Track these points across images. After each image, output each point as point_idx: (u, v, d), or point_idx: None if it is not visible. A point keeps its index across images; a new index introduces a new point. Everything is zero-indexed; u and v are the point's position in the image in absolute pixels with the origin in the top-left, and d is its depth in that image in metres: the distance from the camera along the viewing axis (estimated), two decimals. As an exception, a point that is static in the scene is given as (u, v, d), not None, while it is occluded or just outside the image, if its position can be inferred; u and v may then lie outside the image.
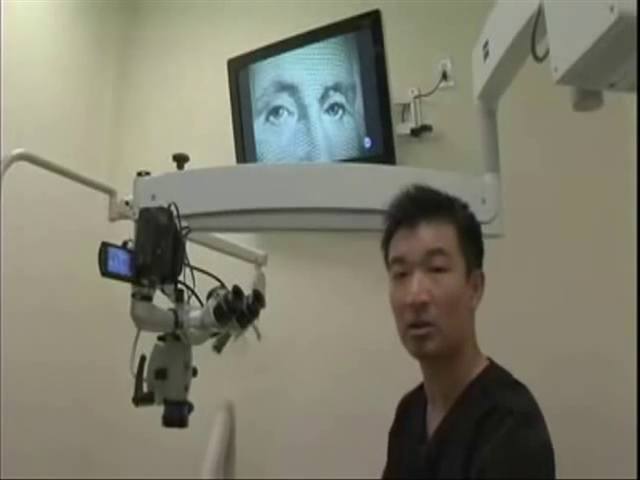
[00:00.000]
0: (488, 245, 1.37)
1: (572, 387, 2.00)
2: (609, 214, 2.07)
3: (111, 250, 1.32)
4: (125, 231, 1.49)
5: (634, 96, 1.07)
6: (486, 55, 1.49)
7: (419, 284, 1.24)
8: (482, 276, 1.32)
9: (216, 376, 2.21)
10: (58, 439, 2.61)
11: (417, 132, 2.40)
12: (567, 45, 0.98)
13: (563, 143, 2.17)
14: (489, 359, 1.33)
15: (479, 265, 1.32)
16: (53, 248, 2.67)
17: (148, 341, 1.47)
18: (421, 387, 1.42)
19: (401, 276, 1.28)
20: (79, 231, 2.69)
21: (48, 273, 2.63)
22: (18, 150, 1.65)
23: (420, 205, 1.30)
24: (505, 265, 1.87)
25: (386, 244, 1.34)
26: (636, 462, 1.37)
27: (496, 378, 1.28)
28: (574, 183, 2.14)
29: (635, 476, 1.37)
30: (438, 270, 1.25)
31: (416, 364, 1.34)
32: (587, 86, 1.04)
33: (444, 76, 2.40)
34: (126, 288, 1.40)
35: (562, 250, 2.14)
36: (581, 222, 2.12)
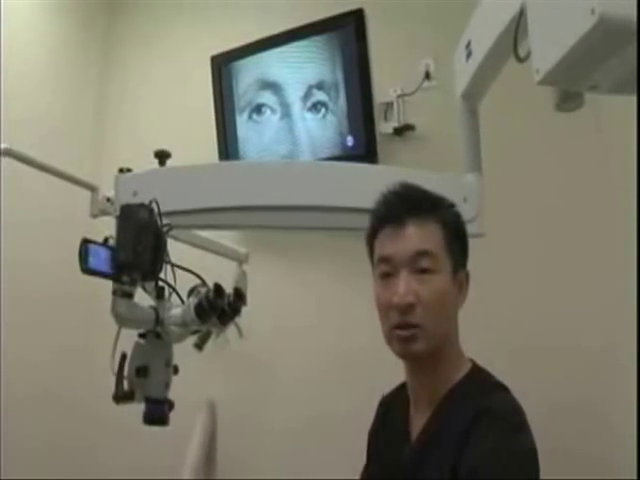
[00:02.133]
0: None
1: (561, 385, 2.02)
2: (594, 212, 2.08)
3: (91, 247, 1.31)
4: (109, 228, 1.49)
5: (615, 97, 1.08)
6: (469, 55, 1.49)
7: (405, 285, 1.23)
8: (467, 275, 1.33)
9: (198, 374, 2.21)
10: (40, 433, 2.61)
11: (400, 131, 2.40)
12: (548, 46, 0.98)
13: (545, 143, 2.18)
14: (472, 360, 1.33)
15: (464, 265, 1.32)
16: (36, 244, 2.66)
17: (129, 339, 1.47)
18: (402, 387, 1.42)
19: (387, 276, 1.27)
20: (61, 227, 2.67)
21: (30, 269, 2.62)
22: (1, 146, 1.64)
23: (408, 204, 1.29)
24: (487, 264, 1.87)
25: (371, 242, 1.34)
26: (636, 462, 1.38)
27: (481, 381, 1.28)
28: (558, 183, 2.16)
29: (635, 476, 1.37)
30: (424, 271, 1.24)
31: (397, 362, 1.34)
32: (568, 87, 1.04)
33: (427, 76, 2.40)
34: (108, 285, 1.39)
35: (546, 249, 2.15)
36: (565, 222, 2.14)
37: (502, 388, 1.26)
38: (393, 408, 1.44)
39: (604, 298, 2.00)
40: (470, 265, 1.35)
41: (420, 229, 1.27)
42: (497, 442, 1.13)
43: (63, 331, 2.77)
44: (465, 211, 1.36)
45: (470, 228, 1.37)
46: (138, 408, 1.44)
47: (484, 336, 1.80)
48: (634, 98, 1.09)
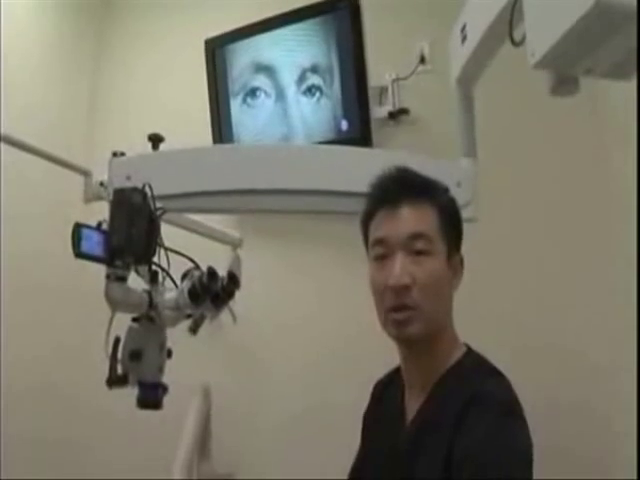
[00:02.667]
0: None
1: (552, 373, 2.04)
2: (590, 197, 2.08)
3: (84, 231, 1.30)
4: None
5: (612, 82, 1.08)
6: (464, 38, 1.48)
7: (401, 267, 1.23)
8: (461, 260, 1.32)
9: (192, 359, 2.21)
10: (37, 426, 2.61)
11: (394, 115, 2.40)
12: (544, 30, 0.98)
13: (541, 127, 2.18)
14: (466, 344, 1.33)
15: (458, 249, 1.32)
16: (28, 229, 2.65)
17: (123, 323, 1.47)
18: (397, 370, 1.42)
19: (382, 258, 1.27)
20: (54, 213, 2.66)
21: (24, 260, 2.61)
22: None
23: (403, 187, 1.29)
24: (480, 249, 1.87)
25: (366, 224, 1.33)
26: (636, 462, 1.38)
27: (475, 365, 1.28)
28: (553, 168, 2.15)
29: (635, 476, 1.38)
30: (420, 253, 1.24)
31: (393, 348, 1.34)
32: (563, 71, 1.04)
33: (422, 60, 2.39)
34: (101, 270, 1.39)
35: (540, 235, 2.16)
36: (560, 208, 2.14)
37: (496, 372, 1.26)
38: (388, 392, 1.44)
39: (600, 285, 2.01)
40: (463, 250, 1.35)
41: (415, 211, 1.27)
42: (489, 428, 1.13)
43: (57, 323, 2.77)
44: (459, 196, 1.36)
45: (464, 213, 1.37)
46: (131, 392, 1.44)
47: (478, 321, 1.80)
48: (630, 83, 1.08)
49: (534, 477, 1.13)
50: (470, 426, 1.14)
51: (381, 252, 1.27)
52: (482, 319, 2.01)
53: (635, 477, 1.38)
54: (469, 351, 1.32)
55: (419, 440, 1.24)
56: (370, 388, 1.53)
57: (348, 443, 1.50)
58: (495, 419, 1.14)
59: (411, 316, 1.23)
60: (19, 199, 2.59)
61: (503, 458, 1.11)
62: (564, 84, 1.05)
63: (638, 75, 0.97)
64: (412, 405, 1.31)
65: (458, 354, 1.30)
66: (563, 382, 2.02)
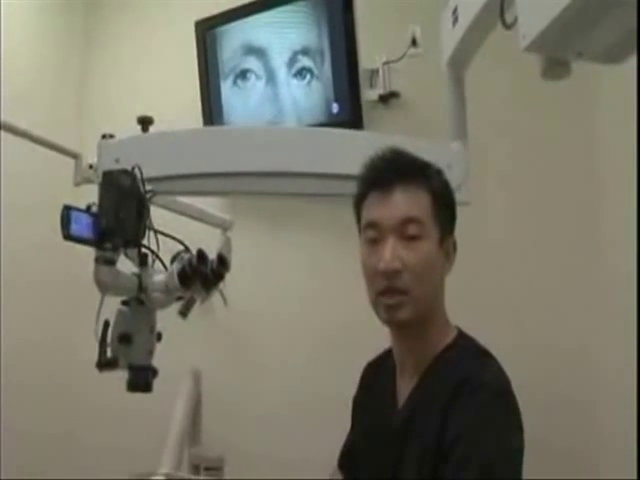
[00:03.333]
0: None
1: (542, 358, 2.06)
2: (581, 180, 2.09)
3: (73, 213, 1.29)
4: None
5: (602, 66, 1.07)
6: (455, 21, 1.47)
7: (392, 251, 1.22)
8: (454, 243, 1.32)
9: (182, 342, 2.21)
10: (27, 416, 2.62)
11: (385, 98, 2.39)
12: (535, 12, 0.98)
13: (532, 111, 2.18)
14: (457, 328, 1.33)
15: (451, 232, 1.31)
16: (19, 216, 2.63)
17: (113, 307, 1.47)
18: (388, 353, 1.41)
19: (374, 241, 1.26)
20: (44, 198, 2.64)
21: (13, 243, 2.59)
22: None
23: (395, 169, 1.28)
24: (471, 233, 1.88)
25: (359, 207, 1.32)
26: (636, 462, 1.39)
27: (467, 348, 1.28)
28: (544, 152, 2.16)
29: (635, 476, 1.39)
30: (412, 238, 1.23)
31: (386, 333, 1.34)
32: (555, 55, 1.03)
33: (413, 42, 2.37)
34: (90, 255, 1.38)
35: (531, 218, 2.16)
36: (551, 191, 2.14)
37: (487, 355, 1.26)
38: (378, 374, 1.44)
39: (590, 271, 2.02)
40: (455, 233, 1.35)
41: (408, 195, 1.25)
42: (480, 410, 1.13)
43: (45, 313, 2.77)
44: (450, 179, 1.35)
45: (455, 196, 1.36)
46: (121, 376, 1.44)
47: (469, 304, 1.81)
48: (621, 67, 1.08)
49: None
50: (461, 408, 1.15)
51: (373, 236, 1.26)
52: (473, 303, 2.01)
53: (635, 477, 1.39)
54: (460, 334, 1.32)
55: (411, 423, 1.24)
56: (353, 366, 1.53)
57: (339, 428, 1.51)
58: (486, 401, 1.14)
59: (402, 300, 1.23)
60: (9, 188, 2.57)
61: (494, 439, 1.12)
62: (555, 67, 1.05)
63: (638, 72, 0.96)
64: (403, 388, 1.31)
65: (449, 337, 1.30)
66: (552, 373, 2.05)
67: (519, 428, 1.16)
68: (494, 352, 1.27)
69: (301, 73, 2.39)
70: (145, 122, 1.71)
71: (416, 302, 1.23)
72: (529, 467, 1.17)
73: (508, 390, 1.19)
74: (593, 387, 1.96)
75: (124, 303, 1.46)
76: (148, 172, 1.43)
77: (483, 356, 1.26)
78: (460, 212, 1.34)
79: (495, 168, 2.17)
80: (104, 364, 1.40)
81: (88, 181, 1.76)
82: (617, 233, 1.81)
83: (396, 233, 1.23)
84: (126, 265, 1.43)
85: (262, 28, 2.46)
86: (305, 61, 2.38)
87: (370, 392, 1.46)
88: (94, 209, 1.36)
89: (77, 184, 1.80)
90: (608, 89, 1.85)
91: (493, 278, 2.16)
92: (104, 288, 1.37)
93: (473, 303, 2.02)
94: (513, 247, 2.16)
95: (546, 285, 2.11)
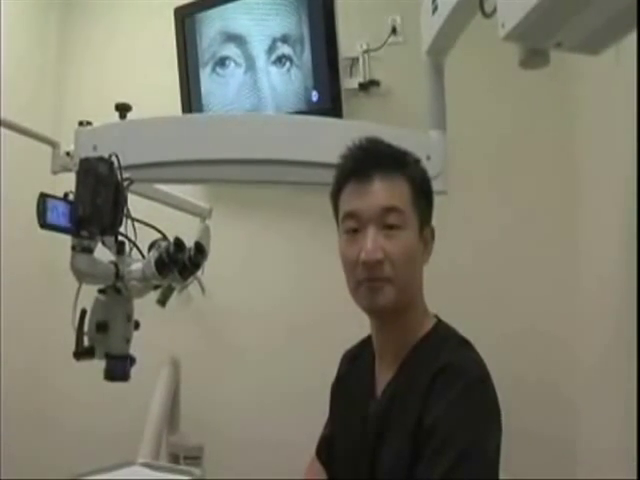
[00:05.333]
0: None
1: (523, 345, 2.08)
2: (560, 169, 2.10)
3: (50, 201, 1.28)
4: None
5: (580, 56, 1.08)
6: (435, 9, 1.47)
7: (373, 241, 1.22)
8: (432, 231, 1.32)
9: (160, 330, 2.20)
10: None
11: (365, 87, 2.39)
12: (514, 2, 0.97)
13: (511, 100, 2.19)
14: (436, 316, 1.34)
15: (429, 221, 1.31)
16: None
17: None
18: (367, 341, 1.42)
19: (353, 232, 1.25)
20: (21, 186, 2.61)
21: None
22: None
23: (374, 158, 1.27)
24: (449, 222, 1.89)
25: (336, 197, 1.31)
26: (636, 462, 1.40)
27: (445, 336, 1.28)
28: (523, 141, 2.17)
29: (635, 476, 1.40)
30: (392, 227, 1.23)
31: (365, 322, 1.34)
32: (533, 44, 1.03)
33: (393, 31, 2.38)
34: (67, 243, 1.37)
35: (509, 208, 2.18)
36: (529, 181, 2.15)
37: (465, 343, 1.27)
38: (358, 362, 1.44)
39: (569, 261, 2.04)
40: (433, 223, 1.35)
41: (387, 184, 1.25)
42: (458, 396, 1.14)
43: (21, 302, 2.74)
44: (428, 168, 1.35)
45: (433, 185, 1.36)
46: (99, 364, 1.43)
47: (447, 291, 1.82)
48: (599, 57, 1.09)
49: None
50: (439, 395, 1.15)
51: (352, 226, 1.26)
52: (452, 291, 2.02)
53: (635, 477, 1.41)
54: (439, 322, 1.32)
55: (389, 411, 1.24)
56: (333, 355, 1.53)
57: (319, 414, 1.51)
58: (463, 388, 1.15)
59: (383, 286, 1.23)
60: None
61: (471, 425, 1.12)
62: (534, 57, 1.05)
63: (638, 71, 0.96)
64: (382, 376, 1.32)
65: (428, 326, 1.30)
66: (532, 361, 2.08)
67: (497, 414, 1.17)
68: (473, 340, 1.27)
69: (280, 61, 2.38)
70: (123, 109, 1.70)
71: (396, 290, 1.23)
72: (508, 454, 1.19)
73: (486, 376, 1.19)
74: (574, 373, 1.99)
75: (101, 292, 1.45)
76: (126, 160, 1.41)
77: (461, 344, 1.27)
78: (440, 202, 1.34)
79: (475, 159, 2.17)
80: (81, 353, 1.39)
81: (66, 169, 1.75)
82: (595, 222, 1.83)
83: (376, 223, 1.23)
84: (103, 253, 1.42)
85: (242, 15, 2.45)
86: (285, 49, 2.37)
87: (348, 381, 1.46)
88: (71, 197, 1.34)
89: (54, 172, 1.79)
90: (588, 78, 1.86)
91: (474, 268, 2.18)
92: (81, 276, 1.36)
93: (454, 292, 2.03)
94: (490, 236, 2.18)
95: (525, 273, 2.13)
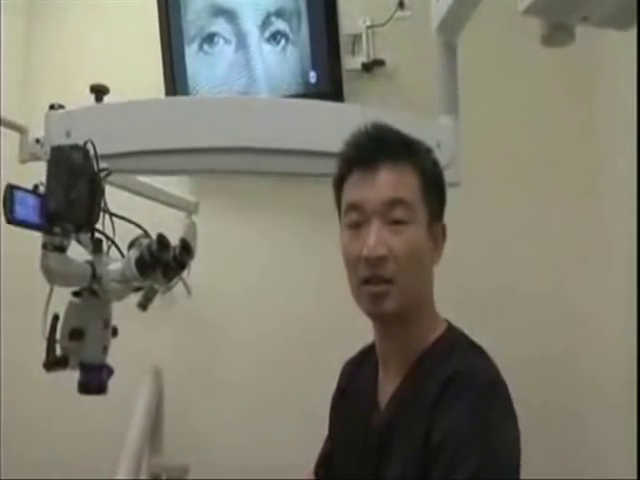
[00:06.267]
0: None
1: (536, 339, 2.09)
2: (578, 157, 2.10)
3: (18, 194, 1.27)
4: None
5: (608, 32, 1.07)
6: (447, -19, 1.47)
7: (377, 236, 1.21)
8: (444, 229, 1.32)
9: (141, 337, 2.20)
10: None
11: (368, 67, 2.39)
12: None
13: (529, 82, 2.18)
14: (447, 321, 1.33)
15: (441, 217, 1.31)
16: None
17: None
18: (369, 349, 1.42)
19: (356, 226, 1.25)
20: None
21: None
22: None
23: (381, 146, 1.27)
24: (462, 217, 1.89)
25: (339, 188, 1.32)
26: (636, 462, 1.42)
27: (456, 342, 1.28)
28: (541, 127, 2.17)
29: (635, 476, 1.41)
30: (398, 222, 1.23)
31: (366, 324, 1.34)
32: (557, 18, 1.03)
33: (400, 4, 2.38)
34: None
35: (526, 200, 2.18)
36: (547, 170, 2.15)
37: (478, 350, 1.27)
38: (359, 372, 1.44)
39: (588, 253, 2.05)
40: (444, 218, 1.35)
41: (394, 175, 1.25)
42: (470, 409, 1.13)
43: None
44: (439, 157, 1.35)
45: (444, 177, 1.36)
46: (73, 376, 1.43)
47: (458, 295, 1.82)
48: (628, 34, 1.08)
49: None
50: (449, 407, 1.15)
51: (355, 219, 1.26)
52: (464, 293, 2.03)
53: (635, 477, 1.42)
54: (450, 328, 1.32)
55: (394, 424, 1.24)
56: (338, 368, 1.53)
57: (318, 433, 1.51)
58: (476, 397, 1.14)
59: (387, 290, 1.22)
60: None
61: (485, 441, 1.11)
62: (558, 33, 1.04)
63: (638, 71, 0.96)
64: (387, 386, 1.32)
65: (438, 331, 1.30)
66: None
67: (513, 424, 1.17)
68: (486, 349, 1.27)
69: (275, 38, 2.37)
70: (99, 91, 1.69)
71: (402, 292, 1.23)
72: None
73: (500, 383, 1.19)
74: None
75: (75, 294, 1.45)
76: (103, 148, 1.41)
77: (472, 349, 1.27)
78: (449, 195, 1.34)
79: (488, 147, 2.17)
80: (53, 363, 1.38)
81: (35, 158, 1.74)
82: (619, 221, 1.84)
83: (381, 216, 1.23)
84: (78, 252, 1.42)
85: (232, -14, 2.45)
86: (279, 24, 2.36)
87: (349, 393, 1.46)
88: (42, 189, 1.34)
89: (23, 161, 1.78)
90: (612, 59, 1.86)
91: (483, 269, 2.18)
92: (53, 277, 1.35)
93: (461, 296, 2.03)
94: (507, 234, 2.18)
95: (543, 278, 2.14)
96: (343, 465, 1.39)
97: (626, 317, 1.65)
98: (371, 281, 1.23)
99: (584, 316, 2.09)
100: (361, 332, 1.36)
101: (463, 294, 2.05)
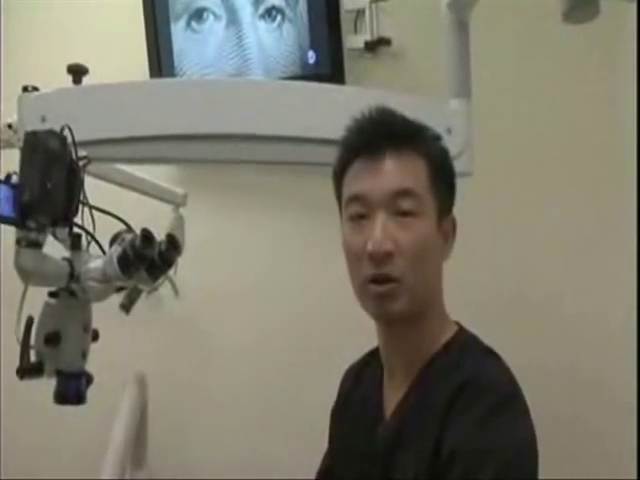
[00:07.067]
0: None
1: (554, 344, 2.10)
2: (598, 143, 2.11)
3: (-12, 184, 1.28)
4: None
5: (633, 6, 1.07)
6: (458, -49, 1.47)
7: (383, 230, 1.22)
8: (454, 222, 1.33)
9: (124, 342, 2.20)
10: None
11: (372, 46, 2.39)
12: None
13: (547, 62, 2.18)
14: (457, 323, 1.34)
15: (450, 209, 1.32)
16: None
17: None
18: (373, 354, 1.43)
19: (359, 218, 1.26)
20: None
21: None
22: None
23: (386, 132, 1.28)
24: (473, 209, 1.89)
25: (340, 177, 1.32)
26: (636, 462, 1.44)
27: (468, 347, 1.29)
28: (559, 112, 2.17)
29: (635, 476, 1.44)
30: (405, 214, 1.23)
31: (369, 326, 1.34)
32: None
33: (407, -24, 2.38)
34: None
35: (540, 191, 2.18)
36: (565, 157, 2.16)
37: (492, 355, 1.28)
38: (362, 380, 1.45)
39: (608, 245, 2.05)
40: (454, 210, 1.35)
41: (401, 163, 1.26)
42: (482, 417, 1.14)
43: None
44: (449, 145, 1.36)
45: (455, 165, 1.36)
46: (49, 384, 1.43)
47: (467, 291, 1.82)
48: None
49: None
50: (461, 417, 1.15)
51: (358, 211, 1.26)
52: (474, 291, 2.03)
53: (635, 477, 1.45)
54: (461, 330, 1.33)
55: (401, 435, 1.25)
56: (337, 376, 1.53)
57: (313, 443, 1.51)
58: (489, 407, 1.15)
59: (394, 289, 1.22)
60: None
61: (501, 457, 1.12)
62: (580, 7, 1.04)
63: (638, 70, 0.96)
64: (392, 395, 1.32)
65: (447, 335, 1.30)
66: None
67: (530, 437, 1.17)
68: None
69: (270, 14, 2.38)
70: (77, 72, 1.68)
71: (410, 292, 1.23)
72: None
73: (516, 392, 1.20)
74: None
75: (52, 295, 1.45)
76: (81, 134, 1.40)
77: (486, 354, 1.28)
78: (459, 186, 1.34)
79: (503, 134, 2.17)
80: (27, 370, 1.38)
81: (8, 144, 1.74)
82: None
83: (386, 208, 1.23)
84: (55, 249, 1.42)
85: (222, -43, 2.45)
86: (275, -1, 2.37)
87: (351, 401, 1.46)
88: (15, 179, 1.34)
89: (-6, 149, 1.78)
90: (633, 33, 1.86)
91: (494, 268, 2.18)
92: (27, 276, 1.35)
93: (470, 296, 2.03)
94: (523, 230, 2.18)
95: (564, 280, 2.14)
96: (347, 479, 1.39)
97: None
98: (376, 280, 1.23)
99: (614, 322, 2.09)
100: (370, 338, 1.36)
101: (472, 295, 2.05)
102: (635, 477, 1.48)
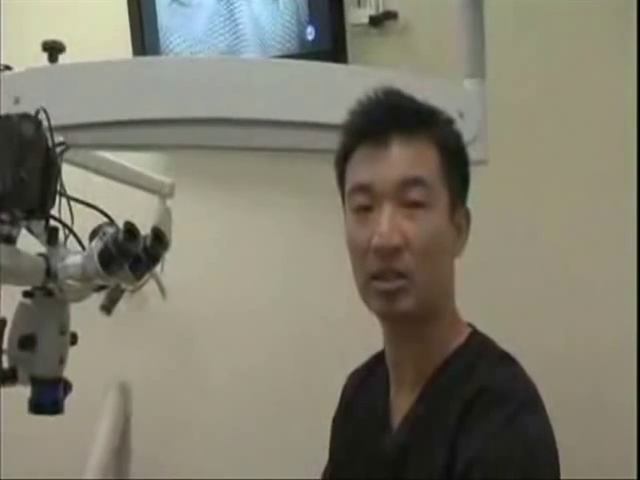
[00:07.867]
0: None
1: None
2: (619, 130, 2.11)
3: (-43, 174, 1.28)
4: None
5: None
6: None
7: (390, 222, 1.21)
8: (468, 214, 1.32)
9: (105, 346, 2.20)
10: None
11: (377, 21, 2.38)
12: None
13: (568, 40, 2.18)
14: (470, 325, 1.34)
15: (464, 200, 1.31)
16: None
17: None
18: (378, 359, 1.43)
19: (364, 210, 1.25)
20: None
21: None
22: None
23: (393, 115, 1.27)
24: (487, 199, 1.89)
25: (343, 165, 1.32)
26: (636, 462, 1.45)
27: (482, 351, 1.29)
28: (580, 93, 2.17)
29: (635, 476, 1.45)
30: (415, 205, 1.23)
31: (374, 328, 1.34)
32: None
33: (416, -55, 2.38)
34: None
35: (559, 179, 2.18)
36: (585, 143, 2.16)
37: (507, 359, 1.28)
38: (367, 385, 1.45)
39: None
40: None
41: (409, 150, 1.25)
42: (498, 428, 1.14)
43: None
44: (462, 130, 1.36)
45: (468, 152, 1.36)
46: (24, 391, 1.43)
47: (481, 288, 1.82)
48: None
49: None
50: (477, 427, 1.16)
51: (363, 202, 1.26)
52: (488, 290, 2.03)
53: (635, 477, 1.46)
54: (474, 333, 1.33)
55: (409, 447, 1.25)
56: (338, 382, 1.53)
57: (314, 460, 1.51)
58: (507, 417, 1.15)
59: (402, 287, 1.22)
60: None
61: (515, 466, 1.12)
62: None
63: (638, 71, 0.96)
64: (400, 402, 1.32)
65: (460, 338, 1.31)
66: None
67: (552, 448, 1.18)
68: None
69: (265, -14, 2.38)
70: (54, 49, 1.68)
71: (420, 289, 1.23)
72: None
73: (536, 401, 1.21)
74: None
75: (27, 294, 1.45)
76: (59, 118, 1.40)
77: (502, 360, 1.28)
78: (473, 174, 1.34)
79: (520, 118, 2.17)
80: (-1, 377, 1.39)
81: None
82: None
83: (394, 199, 1.23)
84: (30, 243, 1.42)
85: None
86: (271, -31, 2.37)
87: (355, 410, 1.46)
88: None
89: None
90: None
91: (509, 263, 2.19)
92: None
93: (483, 295, 2.04)
94: (541, 221, 2.18)
95: (575, 273, 2.14)
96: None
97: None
98: (382, 276, 1.23)
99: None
100: (369, 338, 1.36)
101: (484, 293, 2.06)
102: (635, 477, 1.50)
